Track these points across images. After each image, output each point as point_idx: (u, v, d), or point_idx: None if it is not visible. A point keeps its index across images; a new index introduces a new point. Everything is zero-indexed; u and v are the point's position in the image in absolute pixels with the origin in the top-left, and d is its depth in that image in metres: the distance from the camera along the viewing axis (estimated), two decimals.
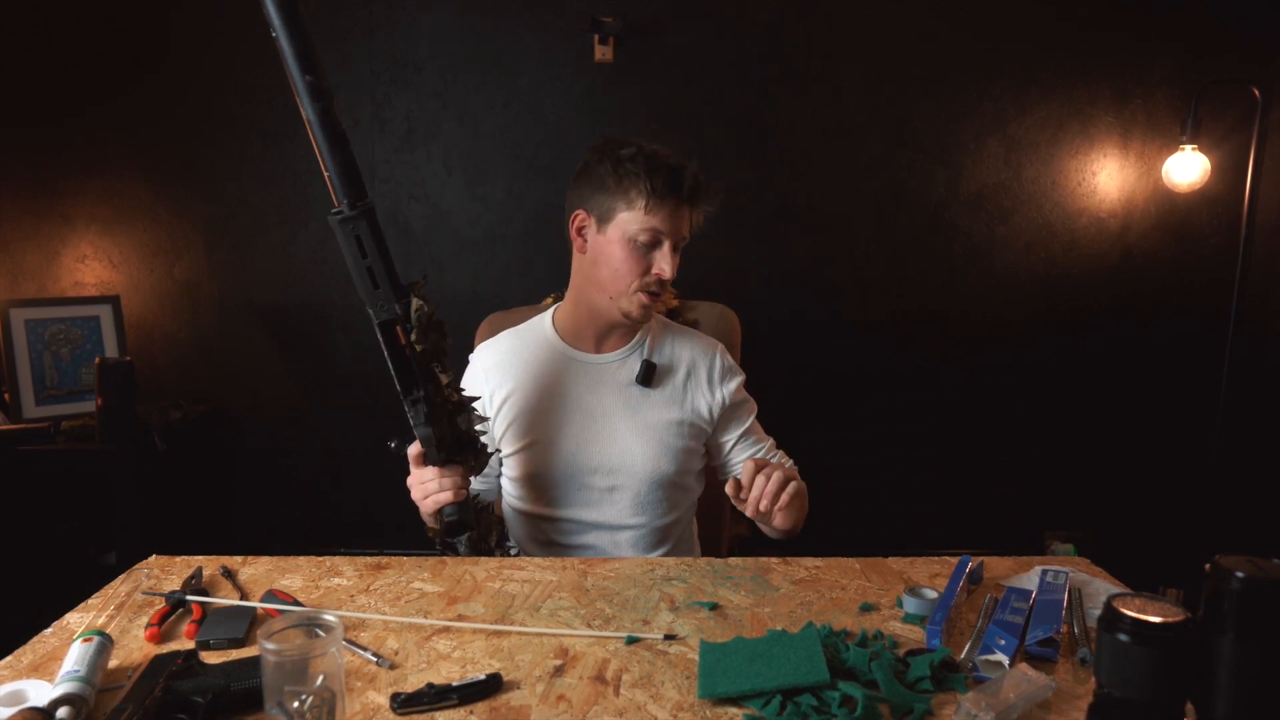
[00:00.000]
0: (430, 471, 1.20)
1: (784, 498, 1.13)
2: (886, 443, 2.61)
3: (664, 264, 1.26)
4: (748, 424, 1.44)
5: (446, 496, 1.19)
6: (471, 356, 1.44)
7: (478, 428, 1.23)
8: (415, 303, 1.12)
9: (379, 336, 1.14)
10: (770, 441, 1.48)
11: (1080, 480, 2.61)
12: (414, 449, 1.20)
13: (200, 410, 2.53)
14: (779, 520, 1.23)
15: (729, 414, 1.42)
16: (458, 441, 1.20)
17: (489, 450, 1.26)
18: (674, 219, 1.25)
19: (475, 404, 1.25)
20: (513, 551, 1.31)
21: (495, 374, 1.40)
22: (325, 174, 1.09)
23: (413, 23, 2.44)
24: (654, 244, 1.26)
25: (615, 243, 1.27)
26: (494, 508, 1.38)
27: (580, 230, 1.31)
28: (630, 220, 1.25)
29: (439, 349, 1.15)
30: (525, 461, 1.36)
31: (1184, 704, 0.69)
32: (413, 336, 1.13)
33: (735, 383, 1.42)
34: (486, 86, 2.47)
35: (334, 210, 1.10)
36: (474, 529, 1.22)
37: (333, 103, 1.07)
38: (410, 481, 1.23)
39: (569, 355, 1.39)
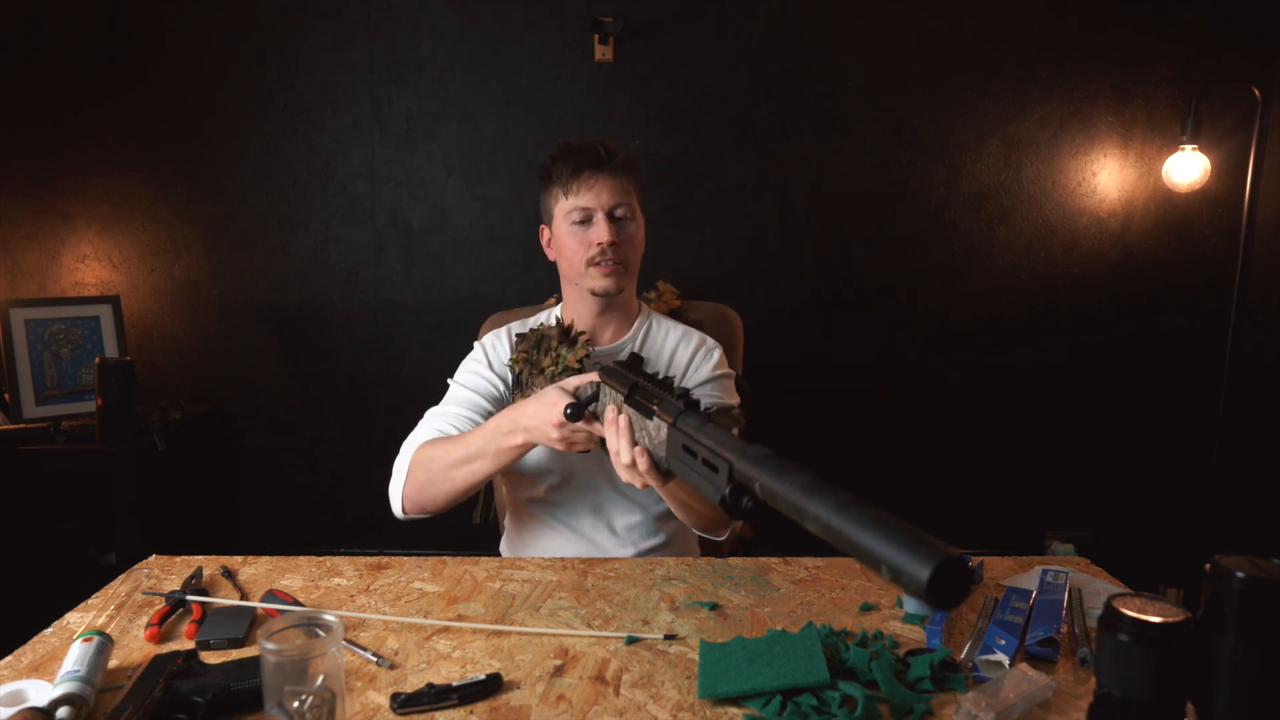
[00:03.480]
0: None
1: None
2: (886, 442, 2.61)
3: (599, 233, 1.32)
4: (720, 396, 1.40)
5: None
6: (484, 343, 1.42)
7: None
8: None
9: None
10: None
11: (1081, 480, 2.61)
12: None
13: (200, 410, 2.53)
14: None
15: (705, 390, 1.41)
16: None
17: None
18: (594, 191, 1.32)
19: (498, 388, 1.33)
20: None
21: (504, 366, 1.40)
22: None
23: (413, 23, 2.45)
24: (588, 221, 1.33)
25: (561, 233, 1.36)
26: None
27: (548, 241, 1.41)
28: (562, 207, 1.35)
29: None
30: None
31: (1184, 704, 0.69)
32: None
33: (710, 362, 1.41)
34: (486, 86, 2.47)
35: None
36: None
37: None
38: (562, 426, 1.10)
39: None
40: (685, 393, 0.89)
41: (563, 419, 1.05)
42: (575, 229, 1.33)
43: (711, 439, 0.78)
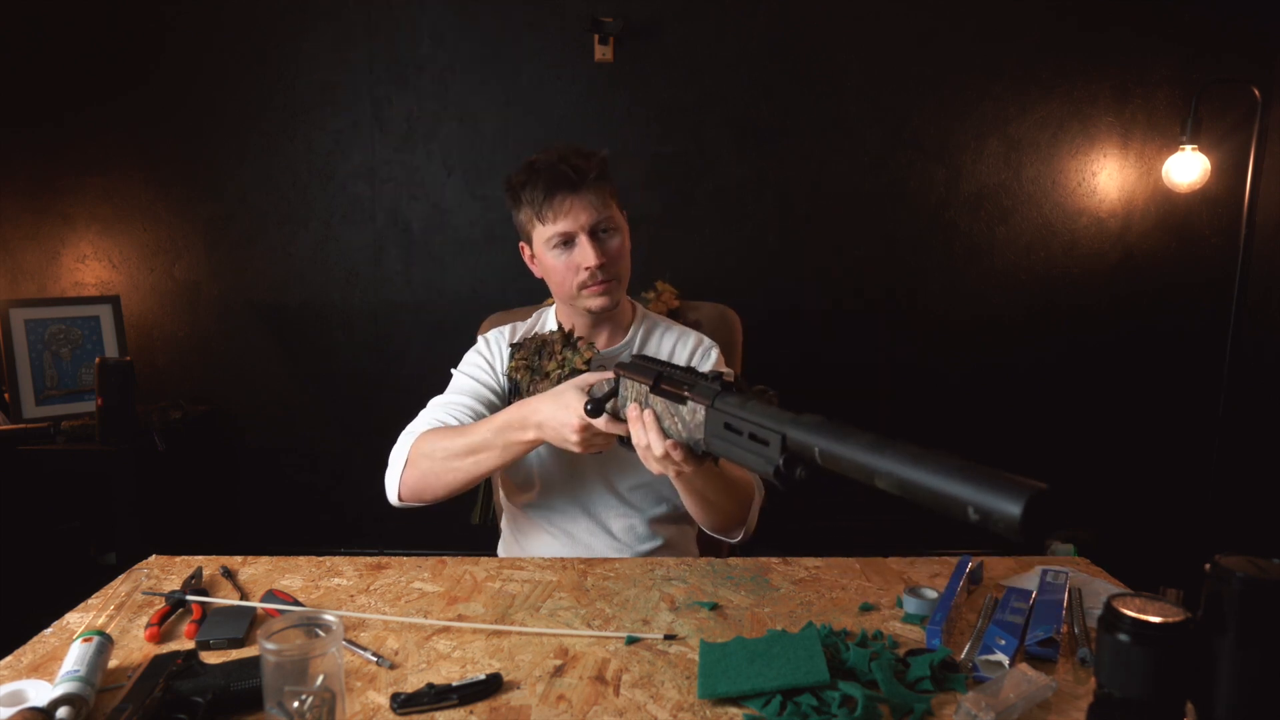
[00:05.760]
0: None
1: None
2: None
3: (584, 256, 1.27)
4: None
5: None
6: (487, 337, 1.42)
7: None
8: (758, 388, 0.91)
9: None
10: None
11: (1080, 480, 2.61)
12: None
13: (200, 410, 2.53)
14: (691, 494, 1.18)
15: None
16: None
17: None
18: (571, 213, 1.26)
19: (499, 383, 1.31)
20: None
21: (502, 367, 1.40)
22: None
23: (413, 23, 2.45)
24: (570, 243, 1.28)
25: (545, 257, 1.31)
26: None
27: (530, 259, 1.37)
28: (541, 234, 1.29)
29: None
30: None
31: (1184, 704, 0.69)
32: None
33: (709, 361, 1.41)
34: (486, 86, 2.47)
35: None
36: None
37: None
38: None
39: None
40: (718, 375, 0.89)
41: (584, 420, 1.03)
42: (558, 253, 1.29)
43: (758, 414, 0.78)
